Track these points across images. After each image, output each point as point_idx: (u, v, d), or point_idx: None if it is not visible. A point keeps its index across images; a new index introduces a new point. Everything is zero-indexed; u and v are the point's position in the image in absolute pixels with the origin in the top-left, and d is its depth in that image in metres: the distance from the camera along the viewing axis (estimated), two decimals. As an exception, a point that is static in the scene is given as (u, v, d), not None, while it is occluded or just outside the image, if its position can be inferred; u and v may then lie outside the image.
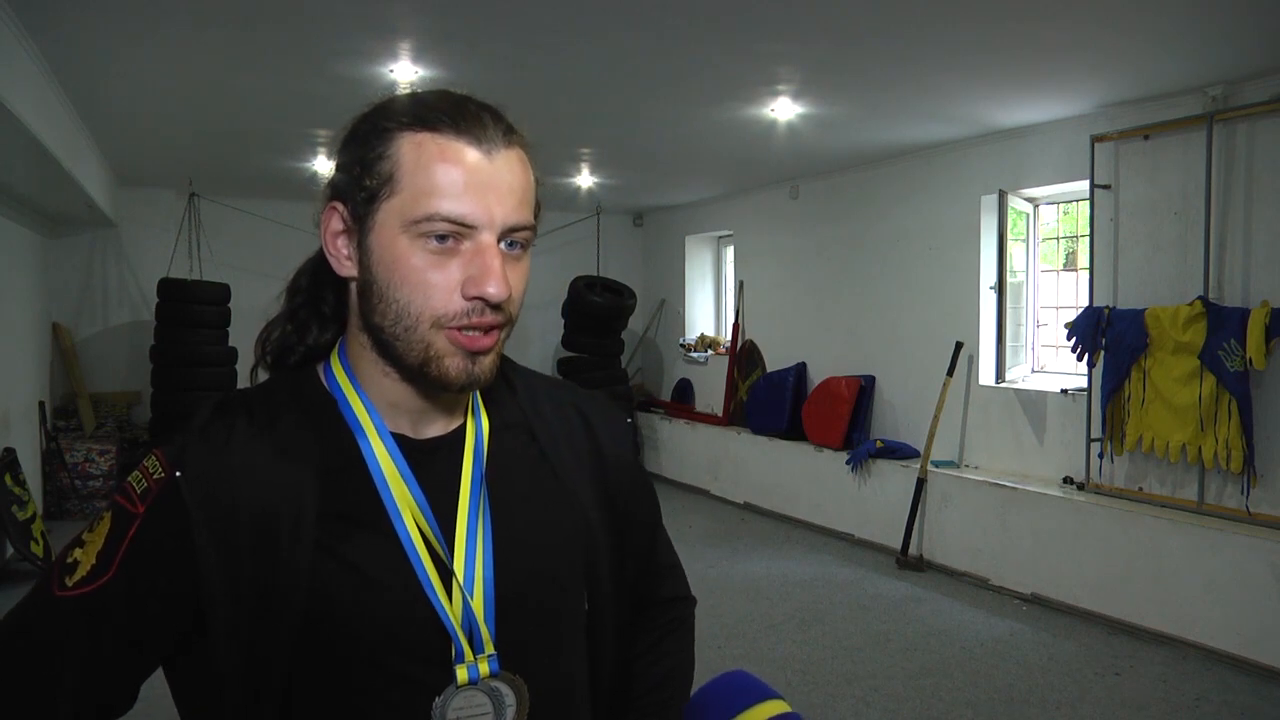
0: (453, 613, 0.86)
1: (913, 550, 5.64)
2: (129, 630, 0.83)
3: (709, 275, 9.11)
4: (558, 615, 0.95)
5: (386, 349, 0.87)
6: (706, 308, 9.08)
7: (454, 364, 0.85)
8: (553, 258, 8.53)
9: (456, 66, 3.94)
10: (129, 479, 0.86)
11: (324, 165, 6.18)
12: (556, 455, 0.99)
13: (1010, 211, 5.50)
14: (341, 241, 0.88)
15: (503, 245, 0.85)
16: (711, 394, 8.38)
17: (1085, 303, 4.95)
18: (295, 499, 0.84)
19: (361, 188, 0.85)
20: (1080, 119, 4.92)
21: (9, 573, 5.28)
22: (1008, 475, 5.35)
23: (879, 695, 3.78)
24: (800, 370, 7.09)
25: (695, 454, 8.04)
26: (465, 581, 0.87)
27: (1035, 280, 5.78)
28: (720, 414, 8.02)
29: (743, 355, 7.86)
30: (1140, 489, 4.66)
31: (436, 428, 0.93)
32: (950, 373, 5.71)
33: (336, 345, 0.95)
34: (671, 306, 9.23)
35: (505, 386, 1.00)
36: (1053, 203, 5.69)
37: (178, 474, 0.83)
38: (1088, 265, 4.94)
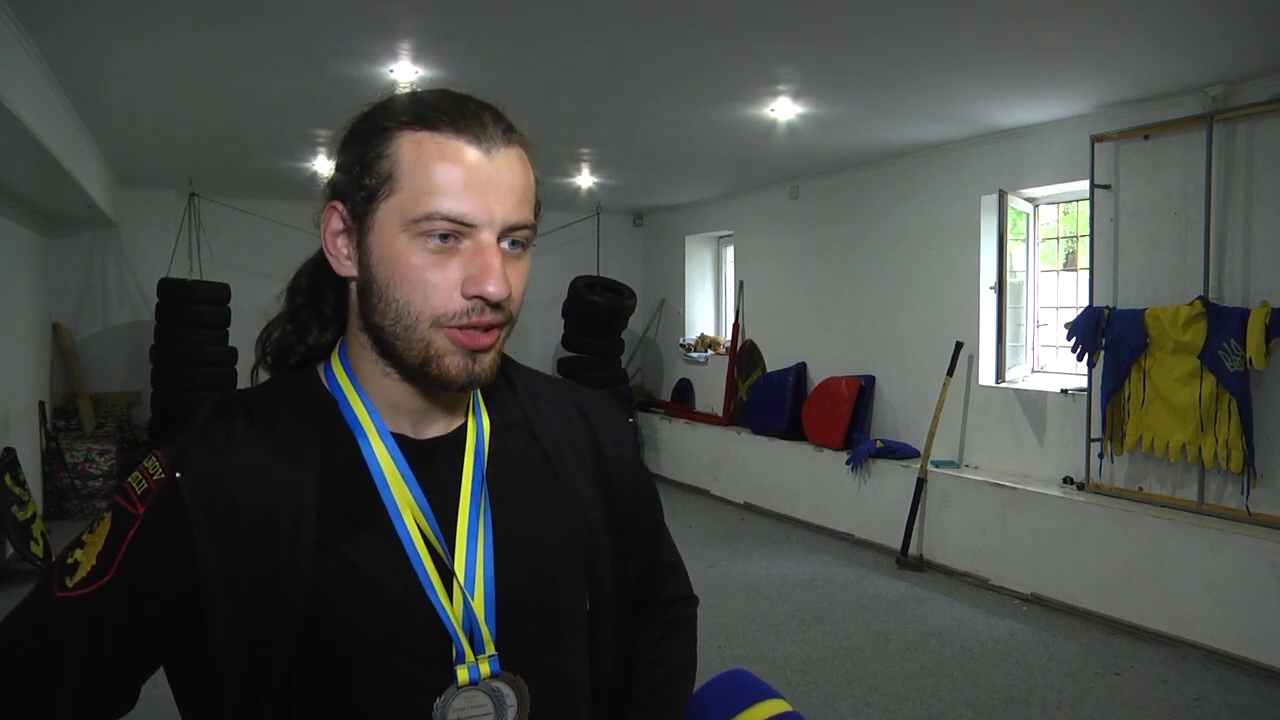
0: (453, 613, 0.86)
1: (913, 550, 5.64)
2: (129, 631, 0.83)
3: (709, 275, 9.11)
4: (558, 615, 0.95)
5: (387, 349, 0.87)
6: (706, 308, 9.08)
7: (454, 363, 0.85)
8: (553, 258, 8.53)
9: (456, 66, 3.94)
10: (129, 480, 0.86)
11: (324, 165, 6.18)
12: (558, 455, 0.98)
13: (1010, 211, 5.50)
14: (341, 241, 0.88)
15: (503, 244, 0.85)
16: (711, 394, 8.38)
17: (1085, 303, 4.95)
18: (295, 499, 0.84)
19: (361, 187, 0.85)
20: (1080, 119, 4.92)
21: (9, 573, 5.28)
22: (1008, 475, 5.35)
23: (879, 695, 3.78)
24: (800, 370, 7.09)
25: (695, 454, 8.04)
26: (466, 582, 0.87)
27: (1035, 280, 5.78)
28: (720, 414, 8.02)
29: (743, 355, 7.86)
30: (1140, 489, 4.66)
31: (437, 428, 0.93)
32: (950, 373, 5.71)
33: (337, 345, 0.95)
34: (671, 306, 9.23)
35: (506, 386, 1.00)
36: (1053, 203, 5.69)
37: (178, 475, 0.83)
38: (1088, 265, 4.94)
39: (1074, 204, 5.56)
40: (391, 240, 0.83)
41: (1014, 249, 5.65)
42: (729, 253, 8.68)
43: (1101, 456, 4.76)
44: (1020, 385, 5.54)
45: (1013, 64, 4.02)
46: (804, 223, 7.19)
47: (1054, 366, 5.67)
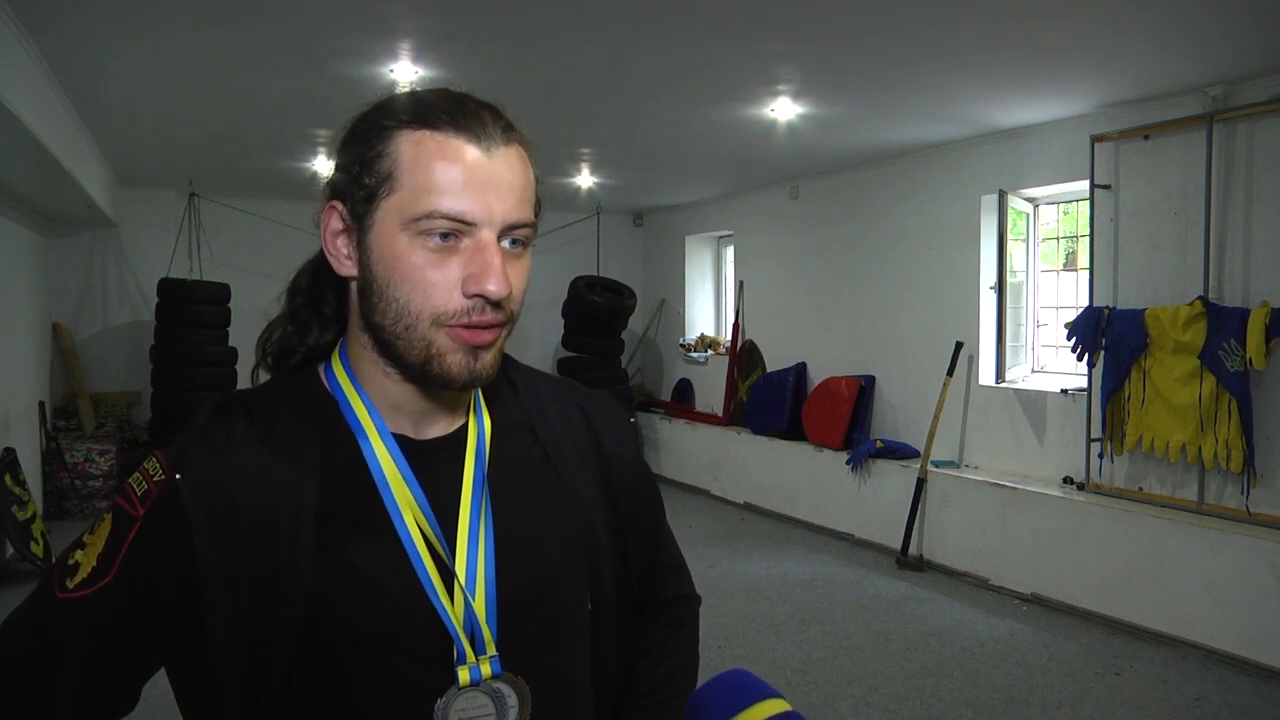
0: (454, 614, 0.86)
1: (913, 550, 5.64)
2: (129, 632, 0.83)
3: (709, 275, 9.11)
4: (560, 616, 0.94)
5: (387, 348, 0.87)
6: (706, 308, 9.08)
7: (456, 361, 0.85)
8: (553, 258, 8.52)
9: (456, 66, 3.94)
10: (129, 481, 0.86)
11: (324, 165, 6.18)
12: (559, 455, 0.98)
13: (1010, 211, 5.50)
14: (341, 241, 0.88)
15: (503, 243, 0.84)
16: (711, 394, 8.38)
17: (1085, 303, 4.94)
18: (295, 500, 0.84)
19: (361, 186, 0.84)
20: (1080, 119, 4.92)
21: (9, 573, 5.28)
22: (1008, 475, 5.35)
23: (879, 695, 3.78)
24: (800, 370, 7.09)
25: (695, 454, 8.04)
26: (467, 582, 0.87)
27: (1035, 280, 5.78)
28: (720, 414, 8.02)
29: (743, 355, 7.86)
30: (1140, 489, 4.66)
31: (438, 428, 0.93)
32: (950, 373, 5.71)
33: (338, 346, 0.95)
34: (671, 306, 9.23)
35: (507, 386, 1.00)
36: (1053, 203, 5.69)
37: (178, 476, 0.83)
38: (1088, 265, 4.94)
39: (1074, 204, 5.56)
40: (391, 239, 0.83)
41: (1014, 249, 5.65)
42: (729, 253, 8.68)
43: (1101, 456, 4.76)
44: (1020, 385, 5.54)
45: (1013, 64, 4.02)
46: (804, 223, 7.19)
47: (1054, 366, 5.67)
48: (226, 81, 4.23)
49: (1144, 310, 4.48)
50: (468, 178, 0.82)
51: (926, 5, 3.26)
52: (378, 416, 0.90)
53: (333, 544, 0.84)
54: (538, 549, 0.93)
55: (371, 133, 0.85)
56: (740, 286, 8.02)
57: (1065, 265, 5.75)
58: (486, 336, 0.85)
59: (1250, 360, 4.00)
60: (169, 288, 6.90)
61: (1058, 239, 5.78)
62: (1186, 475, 4.46)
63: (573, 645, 0.96)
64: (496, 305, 0.84)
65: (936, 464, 5.68)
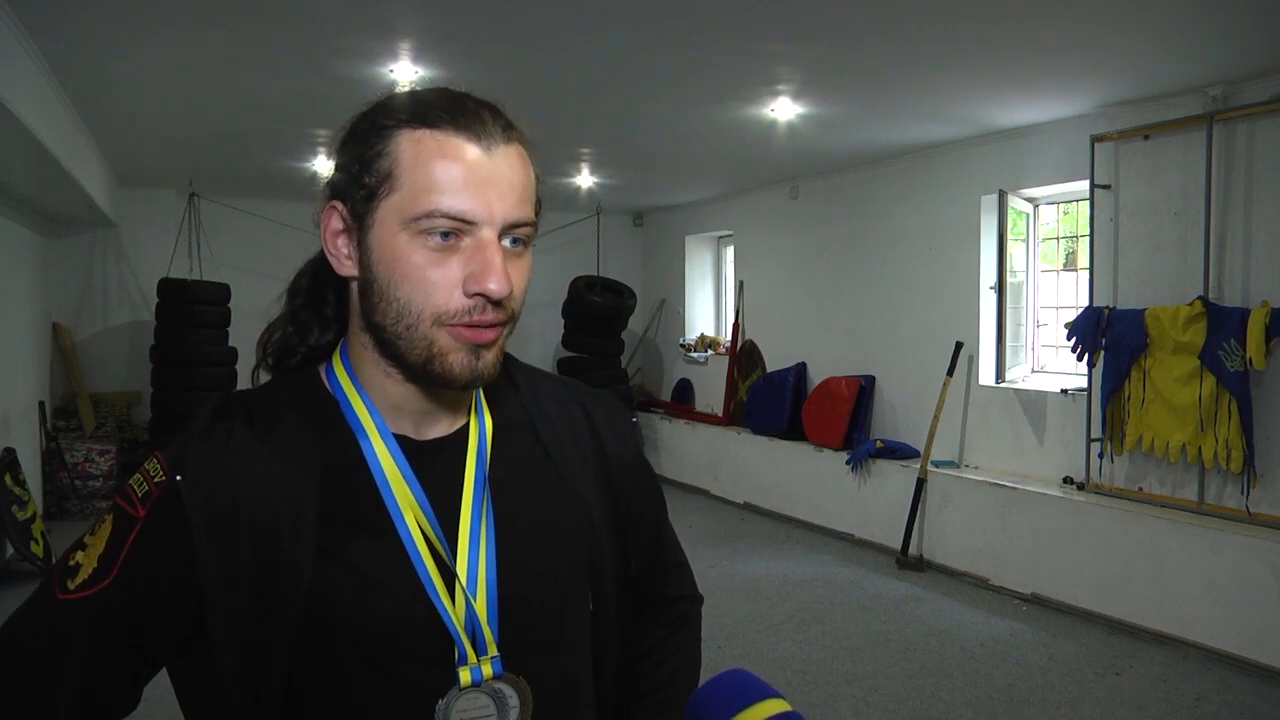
0: (455, 614, 0.86)
1: (913, 550, 5.63)
2: (130, 633, 0.83)
3: (709, 275, 9.11)
4: (561, 616, 0.94)
5: (389, 348, 0.87)
6: (706, 308, 9.08)
7: (458, 360, 0.85)
8: (553, 258, 8.52)
9: (456, 66, 3.94)
10: (130, 482, 0.86)
11: (324, 165, 6.18)
12: (560, 455, 0.98)
13: (1010, 211, 5.50)
14: (341, 241, 0.88)
15: (504, 242, 0.84)
16: (711, 394, 8.38)
17: (1085, 303, 4.94)
18: (295, 500, 0.84)
19: (361, 186, 0.84)
20: (1080, 119, 4.92)
21: (9, 573, 5.28)
22: (1008, 475, 5.35)
23: (879, 695, 3.78)
24: (800, 370, 7.08)
25: (695, 454, 8.04)
26: (468, 583, 0.87)
27: (1035, 280, 5.78)
28: (720, 414, 8.02)
29: (743, 355, 7.86)
30: (1140, 489, 4.66)
31: (439, 428, 0.93)
32: (950, 373, 5.71)
33: (338, 346, 0.94)
34: (671, 306, 9.23)
35: (509, 385, 1.00)
36: (1053, 203, 5.69)
37: (178, 478, 0.83)
38: (1088, 265, 4.94)
39: (1074, 204, 5.56)
40: (392, 239, 0.83)
41: (1014, 249, 5.65)
42: (729, 253, 8.68)
43: (1101, 456, 4.76)
44: (1020, 385, 5.54)
45: (1013, 64, 4.02)
46: (804, 223, 7.19)
47: (1054, 366, 5.67)
48: (226, 81, 4.23)
49: (1144, 310, 4.48)
50: (468, 176, 0.82)
51: (926, 5, 3.26)
52: (379, 417, 0.90)
53: (333, 544, 0.84)
54: (539, 549, 0.93)
55: (371, 132, 0.85)
56: (740, 286, 8.02)
57: (1065, 265, 5.75)
58: (488, 335, 0.85)
59: (1250, 360, 4.00)
60: (169, 288, 6.90)
61: (1058, 239, 5.78)
62: (1186, 475, 4.46)
63: (574, 645, 0.96)
64: (498, 304, 0.84)
65: (936, 464, 5.68)
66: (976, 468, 5.65)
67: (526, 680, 0.89)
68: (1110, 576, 4.54)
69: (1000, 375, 5.56)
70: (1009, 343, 5.59)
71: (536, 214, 0.89)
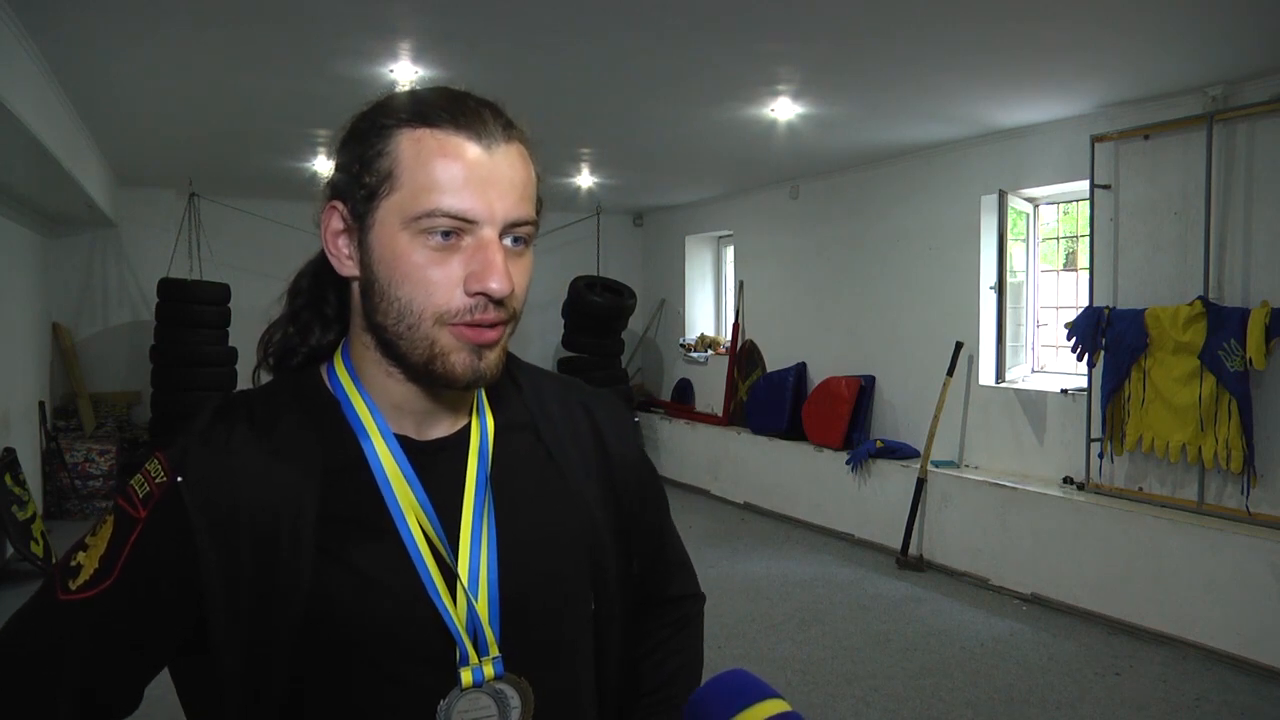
0: (456, 615, 0.86)
1: (913, 550, 5.63)
2: (131, 634, 0.83)
3: (709, 275, 9.11)
4: (563, 616, 0.94)
5: (390, 348, 0.87)
6: (706, 308, 9.08)
7: (460, 359, 0.84)
8: (553, 258, 8.52)
9: (456, 66, 3.94)
10: (131, 482, 0.86)
11: (324, 165, 6.18)
12: (562, 455, 0.98)
13: (1010, 211, 5.50)
14: (342, 241, 0.88)
15: (505, 241, 0.84)
16: (711, 394, 8.38)
17: (1085, 303, 4.94)
18: (296, 500, 0.84)
19: (361, 185, 0.84)
20: (1080, 119, 4.92)
21: (9, 573, 5.28)
22: (1008, 475, 5.35)
23: (879, 695, 3.78)
24: (800, 370, 7.08)
25: (695, 454, 8.04)
26: (470, 583, 0.87)
27: (1035, 280, 5.78)
28: (720, 414, 8.02)
29: (743, 355, 7.86)
30: (1140, 489, 4.66)
31: (441, 429, 0.92)
32: (950, 373, 5.71)
33: (340, 346, 0.94)
34: (671, 306, 9.23)
35: (511, 385, 1.00)
36: (1053, 203, 5.69)
37: (179, 478, 0.83)
38: (1088, 265, 4.94)
39: (1074, 204, 5.56)
40: (392, 238, 0.83)
41: (1014, 249, 5.65)
42: (729, 253, 8.68)
43: (1101, 456, 4.76)
44: (1020, 385, 5.54)
45: (1013, 64, 4.02)
46: (804, 223, 7.19)
47: (1054, 366, 5.67)
48: (226, 81, 4.23)
49: (1144, 310, 4.48)
50: (468, 175, 0.82)
51: (926, 5, 3.26)
52: (380, 417, 0.89)
53: (334, 544, 0.84)
54: (541, 549, 0.93)
55: (371, 132, 0.85)
56: (740, 286, 8.02)
57: (1065, 265, 5.75)
58: (490, 335, 0.85)
59: (1250, 360, 4.00)
60: (169, 288, 6.90)
61: (1058, 239, 5.78)
62: (1186, 475, 4.46)
63: (576, 646, 0.96)
64: (499, 303, 0.84)
65: (936, 464, 5.68)
66: (976, 468, 5.65)
67: (528, 681, 0.89)
68: (1110, 576, 4.54)
69: (1000, 375, 5.56)
70: (1009, 343, 5.59)
71: (537, 213, 0.89)
